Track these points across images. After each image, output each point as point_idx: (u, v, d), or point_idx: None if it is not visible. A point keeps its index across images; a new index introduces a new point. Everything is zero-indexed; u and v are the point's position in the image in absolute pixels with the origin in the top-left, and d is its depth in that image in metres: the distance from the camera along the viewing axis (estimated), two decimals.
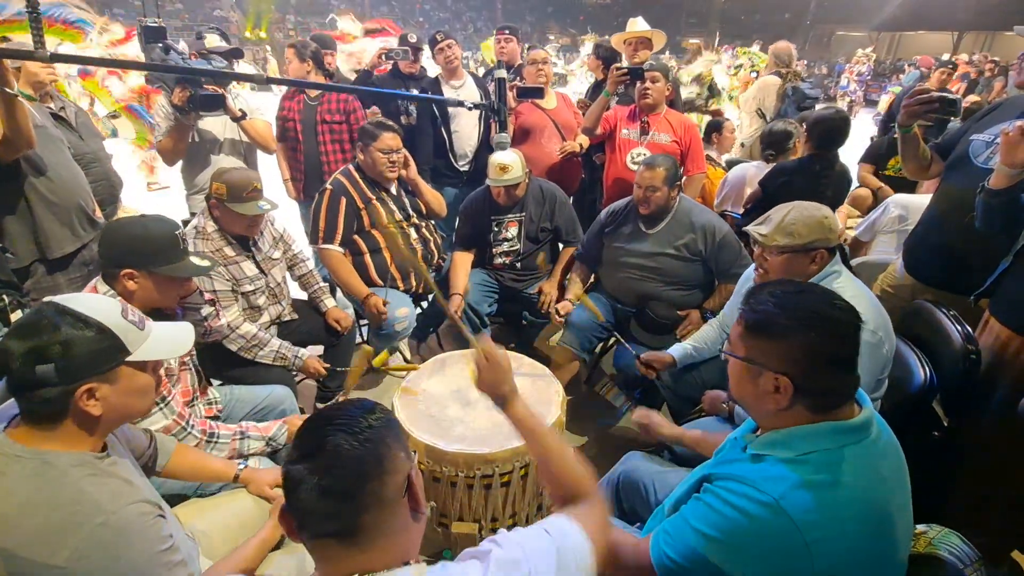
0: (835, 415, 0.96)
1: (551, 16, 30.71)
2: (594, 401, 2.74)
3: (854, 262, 2.81)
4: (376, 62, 3.76)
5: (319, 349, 2.45)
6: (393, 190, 2.62)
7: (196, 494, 1.55)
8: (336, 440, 0.73)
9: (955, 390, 1.56)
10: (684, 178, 2.53)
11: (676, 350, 2.08)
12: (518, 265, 2.79)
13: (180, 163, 2.92)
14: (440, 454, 1.59)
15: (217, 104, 2.57)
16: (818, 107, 3.82)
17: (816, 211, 1.56)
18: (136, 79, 3.33)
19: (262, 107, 3.01)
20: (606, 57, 3.73)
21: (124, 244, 1.46)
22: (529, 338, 2.94)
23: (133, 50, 3.50)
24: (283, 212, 2.28)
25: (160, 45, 2.40)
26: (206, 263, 1.60)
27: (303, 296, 2.51)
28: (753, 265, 1.76)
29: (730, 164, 3.70)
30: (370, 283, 2.58)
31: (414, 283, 2.70)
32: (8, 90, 1.69)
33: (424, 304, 2.97)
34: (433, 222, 2.82)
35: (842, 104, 11.95)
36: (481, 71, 5.18)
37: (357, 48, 4.04)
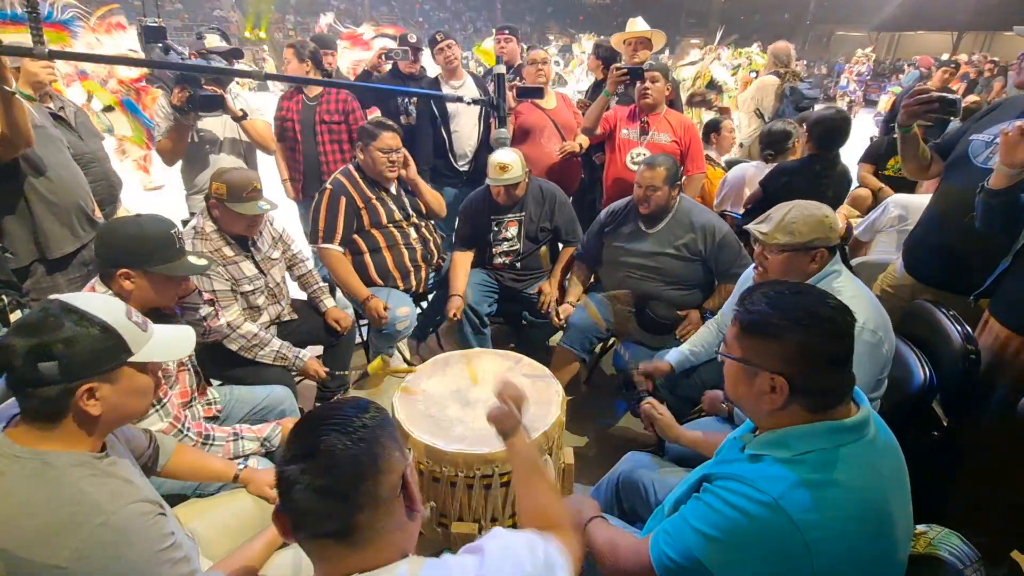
0: (832, 414, 0.96)
1: (551, 16, 30.70)
2: (594, 401, 2.74)
3: (854, 262, 2.81)
4: (376, 62, 3.76)
5: (319, 349, 2.46)
6: (393, 190, 2.62)
7: (195, 494, 1.55)
8: (330, 440, 0.73)
9: (955, 390, 1.56)
10: (684, 178, 2.53)
11: (673, 356, 2.07)
12: (518, 265, 2.79)
13: (179, 163, 2.92)
14: (440, 454, 1.59)
15: (216, 105, 2.57)
16: (817, 107, 3.82)
17: (817, 210, 1.56)
18: (124, 71, 3.30)
19: (261, 108, 3.01)
20: (606, 57, 3.73)
21: (120, 244, 1.46)
22: (530, 338, 2.95)
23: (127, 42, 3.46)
24: (282, 212, 2.28)
25: (160, 45, 2.39)
26: (203, 262, 1.60)
27: (303, 296, 2.51)
28: (753, 265, 1.76)
29: (729, 164, 3.70)
30: (370, 283, 2.57)
31: (414, 283, 2.70)
32: (6, 87, 1.68)
33: (424, 304, 2.97)
34: (433, 222, 2.82)
35: (842, 104, 11.94)
36: (481, 71, 5.18)
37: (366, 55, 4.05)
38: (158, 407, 1.48)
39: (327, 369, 2.20)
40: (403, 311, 2.51)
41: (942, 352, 1.59)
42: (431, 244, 2.75)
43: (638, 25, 3.52)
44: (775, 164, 2.98)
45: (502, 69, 2.04)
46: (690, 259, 2.35)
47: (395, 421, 1.70)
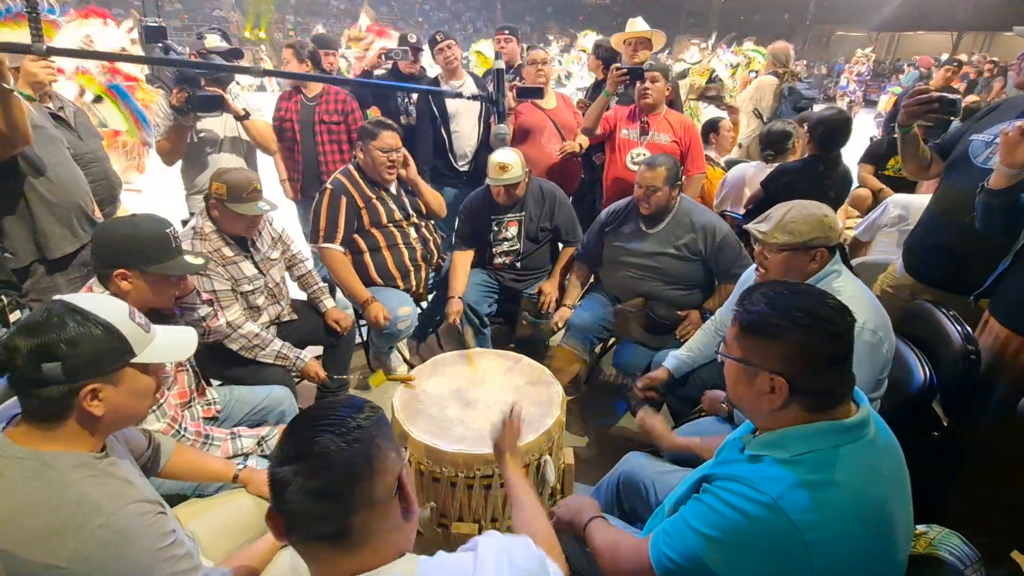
0: (831, 414, 0.96)
1: (551, 16, 30.70)
2: (594, 401, 2.74)
3: (854, 262, 2.81)
4: (376, 63, 3.76)
5: (318, 350, 2.45)
6: (393, 189, 2.62)
7: (195, 494, 1.55)
8: (324, 441, 0.72)
9: (955, 390, 1.56)
10: (684, 178, 2.53)
11: (671, 362, 2.07)
12: (518, 265, 2.79)
13: (179, 163, 2.92)
14: (440, 454, 1.59)
15: (215, 105, 2.57)
16: (817, 107, 3.82)
17: (816, 209, 1.56)
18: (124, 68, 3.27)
19: (261, 108, 3.01)
20: (606, 57, 3.73)
21: (115, 244, 1.46)
22: (530, 338, 2.94)
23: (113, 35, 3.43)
24: (280, 212, 2.28)
25: (160, 45, 2.39)
26: (200, 261, 1.60)
27: (302, 296, 2.51)
28: (754, 266, 1.76)
29: (729, 164, 3.70)
30: (370, 282, 2.57)
31: (414, 283, 2.70)
32: (4, 85, 1.68)
33: (424, 304, 2.97)
34: (432, 222, 2.82)
35: (841, 104, 11.94)
36: (481, 71, 5.17)
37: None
38: (155, 408, 1.48)
39: (326, 373, 2.20)
40: (404, 311, 2.51)
41: (942, 352, 1.59)
42: (431, 244, 2.75)
43: (638, 25, 3.52)
44: (775, 164, 2.98)
45: (501, 65, 2.05)
46: (690, 259, 2.35)
47: (395, 421, 1.70)
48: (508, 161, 2.51)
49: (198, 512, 1.45)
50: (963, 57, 10.49)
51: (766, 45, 5.29)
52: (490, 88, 2.87)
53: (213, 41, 2.98)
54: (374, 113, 3.36)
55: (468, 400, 1.81)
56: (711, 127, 3.78)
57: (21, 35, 2.25)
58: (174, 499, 1.50)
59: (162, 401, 1.51)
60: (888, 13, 22.60)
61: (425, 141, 3.41)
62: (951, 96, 1.78)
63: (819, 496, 0.89)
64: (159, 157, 2.85)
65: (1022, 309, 1.61)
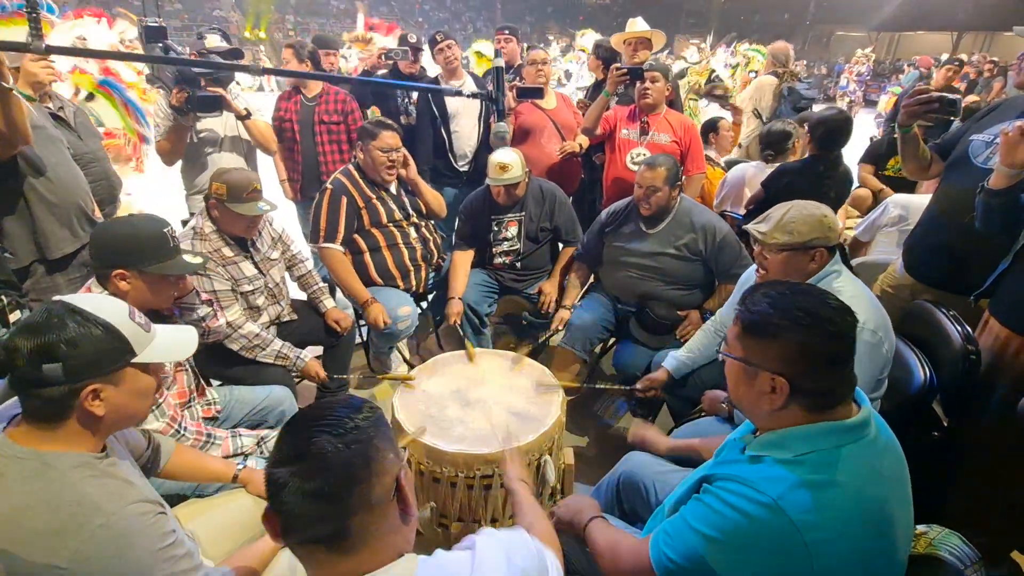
0: (832, 415, 0.96)
1: (551, 16, 30.70)
2: (594, 401, 2.74)
3: (854, 262, 2.81)
4: (376, 63, 3.76)
5: (319, 350, 2.45)
6: (393, 189, 2.62)
7: (195, 494, 1.55)
8: (321, 442, 0.70)
9: (955, 390, 1.56)
10: (684, 178, 2.53)
11: (670, 363, 2.07)
12: (518, 265, 2.79)
13: (179, 163, 2.92)
14: (440, 454, 1.59)
15: (215, 105, 2.57)
16: (817, 107, 3.82)
17: (816, 209, 1.56)
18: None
19: (261, 108, 3.01)
20: (606, 57, 3.73)
21: (112, 244, 1.46)
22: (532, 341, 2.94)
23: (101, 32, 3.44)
24: (280, 212, 2.28)
25: (160, 45, 2.39)
26: (198, 260, 1.60)
27: (302, 296, 2.51)
28: (754, 266, 1.76)
29: (728, 164, 3.70)
30: (370, 282, 2.58)
31: (414, 282, 2.70)
32: (3, 83, 1.68)
33: (424, 304, 2.97)
34: (432, 222, 2.82)
35: (842, 104, 11.95)
36: (480, 71, 5.18)
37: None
38: (154, 408, 1.48)
39: (327, 373, 2.20)
40: (404, 311, 2.51)
41: (942, 352, 1.59)
42: (431, 244, 2.75)
43: (638, 25, 3.52)
44: (776, 165, 2.98)
45: (501, 63, 2.05)
46: (691, 259, 2.35)
47: (395, 421, 1.70)
48: (508, 161, 2.51)
49: (198, 512, 1.45)
50: (963, 57, 10.49)
51: (766, 45, 5.29)
52: (490, 87, 2.87)
53: (213, 41, 2.98)
54: (374, 113, 3.36)
55: (468, 400, 1.81)
56: (710, 127, 3.78)
57: (17, 33, 2.26)
58: (174, 499, 1.50)
59: (161, 401, 1.51)
60: (888, 13, 22.60)
61: (425, 141, 3.41)
62: (951, 96, 1.78)
63: (820, 497, 0.89)
64: (159, 157, 2.84)
65: (1022, 309, 1.61)
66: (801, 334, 0.94)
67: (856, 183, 3.68)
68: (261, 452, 1.67)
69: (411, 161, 2.65)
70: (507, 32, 3.86)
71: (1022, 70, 2.18)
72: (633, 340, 2.43)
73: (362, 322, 2.66)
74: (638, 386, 2.08)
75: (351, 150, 3.11)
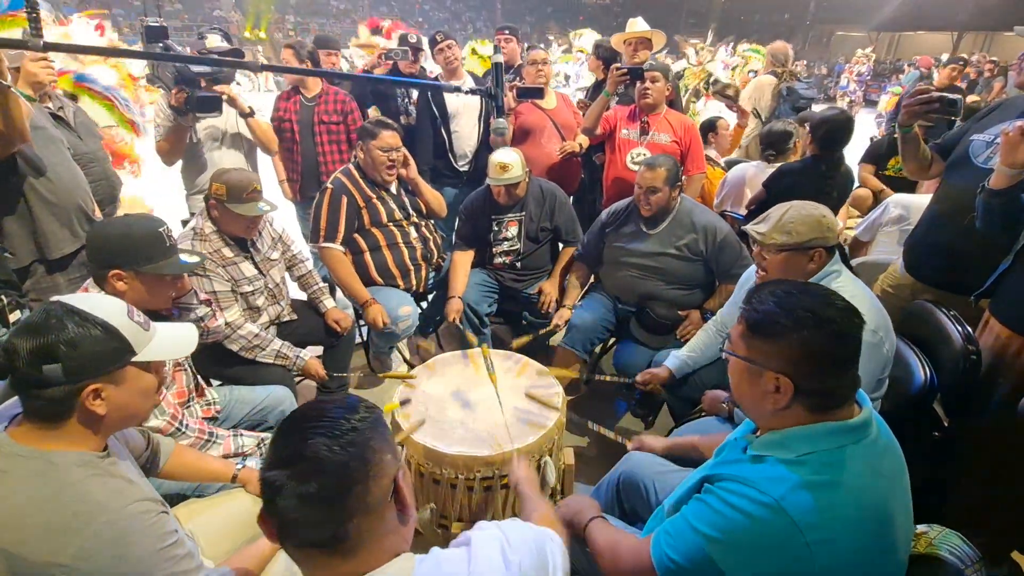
0: (834, 415, 0.96)
1: (551, 16, 30.70)
2: (594, 401, 2.74)
3: (854, 262, 2.81)
4: (376, 62, 3.76)
5: (319, 350, 2.45)
6: (393, 189, 2.62)
7: (195, 494, 1.55)
8: (316, 444, 0.69)
9: (955, 390, 1.56)
10: (684, 178, 2.53)
11: (672, 362, 2.07)
12: (518, 265, 2.79)
13: (179, 163, 2.92)
14: (440, 456, 1.59)
15: (214, 106, 2.56)
16: (817, 107, 3.82)
17: (814, 210, 1.56)
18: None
19: (261, 108, 3.01)
20: (606, 57, 3.73)
21: (109, 244, 1.46)
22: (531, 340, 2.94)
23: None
24: (279, 213, 2.28)
25: (161, 45, 2.39)
26: (195, 259, 1.59)
27: (302, 296, 2.51)
28: (754, 266, 1.76)
29: (729, 164, 3.69)
30: (370, 281, 2.57)
31: (414, 282, 2.70)
32: (2, 81, 1.67)
33: (424, 304, 2.97)
34: (433, 222, 2.82)
35: (842, 104, 11.96)
36: (480, 69, 5.17)
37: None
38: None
39: (327, 373, 2.20)
40: (404, 310, 2.51)
41: (943, 352, 1.59)
42: (431, 243, 2.75)
43: (638, 25, 3.52)
44: (777, 164, 2.98)
45: (500, 58, 2.05)
46: (691, 259, 2.35)
47: (395, 423, 1.70)
48: (508, 161, 2.51)
49: (198, 512, 1.44)
50: (967, 56, 10.48)
51: (765, 45, 5.29)
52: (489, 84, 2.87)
53: (214, 41, 2.98)
54: (374, 113, 3.36)
55: (468, 401, 1.81)
56: (709, 127, 3.77)
57: (16, 33, 2.26)
58: (173, 499, 1.50)
59: (160, 399, 1.50)
60: (888, 13, 22.60)
61: (425, 141, 3.41)
62: (952, 96, 1.78)
63: (822, 497, 0.89)
64: (159, 157, 2.84)
65: (1023, 309, 1.60)
66: (806, 334, 0.93)
67: (856, 183, 3.68)
68: (261, 453, 1.67)
69: (411, 161, 2.65)
70: (507, 32, 3.86)
71: (1022, 70, 2.18)
72: (634, 340, 2.43)
73: (362, 322, 2.66)
74: (638, 378, 2.08)
75: (351, 150, 3.11)
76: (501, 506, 1.67)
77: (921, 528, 1.05)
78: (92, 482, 0.94)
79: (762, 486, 0.92)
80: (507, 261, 2.78)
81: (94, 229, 1.57)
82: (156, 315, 1.54)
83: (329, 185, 2.52)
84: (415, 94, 3.47)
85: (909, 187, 3.33)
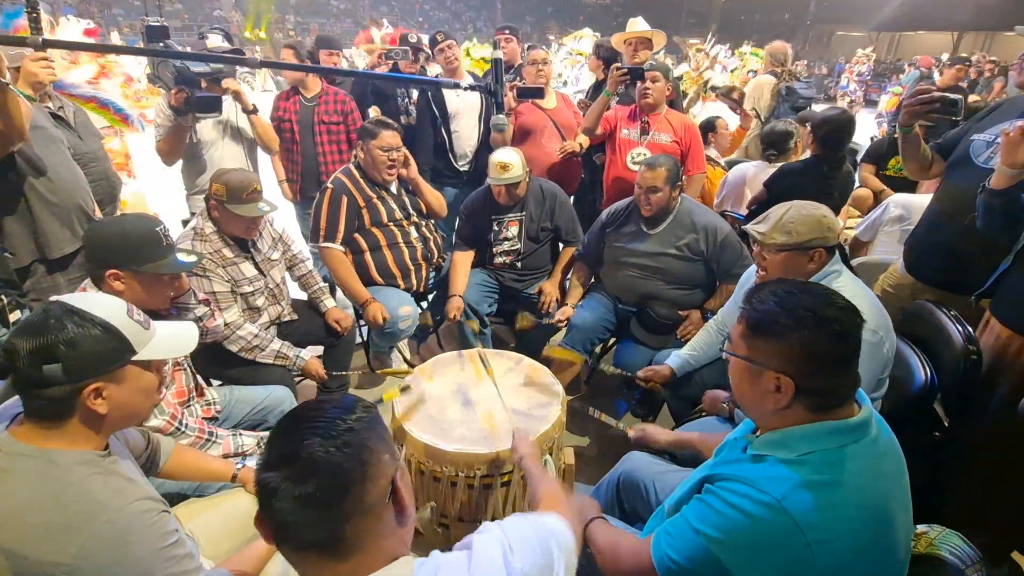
0: (834, 415, 0.96)
1: (551, 16, 30.71)
2: (595, 401, 2.74)
3: (855, 262, 2.81)
4: (376, 63, 3.76)
5: (319, 349, 2.45)
6: (393, 189, 2.62)
7: (195, 494, 1.55)
8: (312, 445, 0.68)
9: (956, 390, 1.56)
10: (684, 178, 2.53)
11: (674, 360, 2.07)
12: (518, 265, 2.79)
13: (179, 163, 2.92)
14: (440, 454, 1.59)
15: (214, 106, 2.56)
16: (818, 107, 3.82)
17: (815, 210, 1.56)
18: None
19: (260, 108, 3.00)
20: (607, 57, 3.73)
21: (105, 244, 1.46)
22: (530, 338, 2.94)
23: None
24: (279, 213, 2.28)
25: (161, 45, 2.39)
26: (192, 258, 1.59)
27: (303, 296, 2.51)
28: (754, 266, 1.76)
29: (729, 164, 3.69)
30: (370, 281, 2.57)
31: (414, 282, 2.70)
32: (0, 79, 1.67)
33: (425, 304, 2.97)
34: (433, 222, 2.82)
35: (842, 104, 11.95)
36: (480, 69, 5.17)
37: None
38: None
39: (328, 372, 2.19)
40: (405, 310, 2.51)
41: (943, 352, 1.59)
42: (431, 243, 2.75)
43: (638, 25, 3.51)
44: (778, 164, 2.98)
45: (499, 54, 2.06)
46: (692, 259, 2.35)
47: (394, 421, 1.70)
48: (509, 160, 2.51)
49: (197, 512, 1.44)
50: (971, 56, 10.48)
51: (765, 45, 5.29)
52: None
53: (215, 42, 2.98)
54: (374, 113, 3.36)
55: (468, 400, 1.81)
56: (708, 127, 3.77)
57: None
58: (173, 499, 1.50)
59: (160, 399, 1.50)
60: (889, 13, 22.61)
61: (425, 141, 3.40)
62: (952, 96, 1.78)
63: (823, 497, 0.89)
64: (159, 157, 2.84)
65: (1023, 309, 1.60)
66: (806, 334, 0.93)
67: (857, 183, 3.68)
68: (261, 453, 1.66)
69: (411, 161, 2.65)
70: (507, 32, 3.86)
71: (1023, 70, 2.18)
72: (634, 340, 2.43)
73: (362, 322, 2.66)
74: (640, 373, 2.08)
75: (351, 150, 3.11)
76: (502, 504, 1.67)
77: (922, 528, 1.05)
78: (93, 481, 0.94)
79: (763, 486, 0.92)
80: (507, 261, 2.78)
81: (91, 229, 1.57)
82: (154, 315, 1.54)
83: (329, 185, 2.52)
84: (415, 94, 3.47)
85: (909, 187, 3.33)
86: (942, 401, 1.65)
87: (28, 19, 1.61)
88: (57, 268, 2.10)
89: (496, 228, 2.72)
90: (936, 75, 8.82)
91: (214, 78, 2.67)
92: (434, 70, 3.82)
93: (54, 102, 2.31)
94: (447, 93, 3.30)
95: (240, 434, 1.65)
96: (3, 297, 1.81)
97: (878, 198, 3.58)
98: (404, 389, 1.81)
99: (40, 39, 1.61)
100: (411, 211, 2.67)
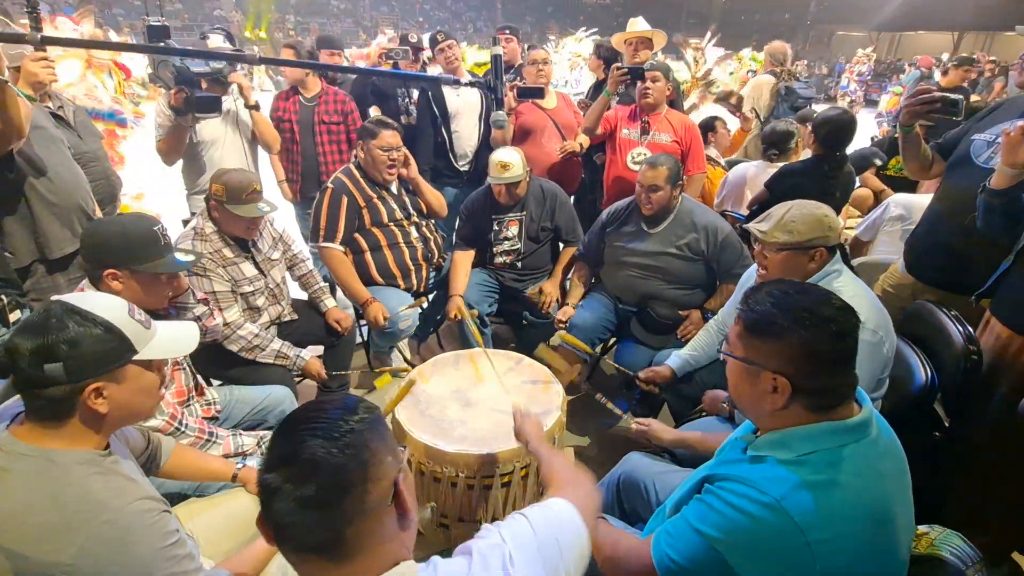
0: (834, 415, 0.96)
1: (551, 16, 30.70)
2: (595, 401, 2.74)
3: (855, 262, 2.81)
4: (377, 63, 3.76)
5: (319, 349, 2.45)
6: (394, 189, 2.62)
7: (196, 494, 1.55)
8: (313, 446, 0.68)
9: (956, 390, 1.56)
10: (685, 178, 2.53)
11: (674, 361, 2.07)
12: (519, 265, 2.79)
13: (180, 163, 2.92)
14: (440, 455, 1.59)
15: (214, 106, 2.56)
16: (818, 107, 3.81)
17: (816, 209, 1.56)
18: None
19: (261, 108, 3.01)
20: (607, 57, 3.73)
21: (103, 244, 1.46)
22: (530, 338, 2.94)
23: None
24: (279, 214, 2.28)
25: (162, 45, 2.39)
26: (190, 257, 1.59)
27: (303, 296, 2.51)
28: (755, 265, 1.76)
29: (729, 164, 3.69)
30: (371, 281, 2.57)
31: (415, 282, 2.70)
32: None
33: (425, 304, 2.97)
34: (433, 222, 2.82)
35: (843, 104, 11.96)
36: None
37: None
38: None
39: (328, 373, 2.19)
40: (405, 310, 2.51)
41: (943, 352, 1.59)
42: (432, 243, 2.75)
43: (639, 25, 3.51)
44: (779, 164, 2.97)
45: (499, 51, 2.06)
46: (692, 259, 2.35)
47: (395, 421, 1.70)
48: (509, 160, 2.51)
49: (198, 511, 1.45)
50: (975, 56, 10.47)
51: (762, 46, 5.28)
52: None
53: (216, 42, 2.98)
54: (375, 113, 3.36)
55: (469, 400, 1.81)
56: (708, 127, 3.77)
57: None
58: (174, 499, 1.50)
59: (160, 398, 1.50)
60: (889, 13, 22.59)
61: (426, 141, 3.40)
62: (953, 96, 1.78)
63: (822, 497, 0.89)
64: (159, 157, 2.84)
65: (1023, 309, 1.60)
66: (804, 334, 0.93)
67: (857, 183, 3.68)
68: (261, 452, 1.66)
69: (412, 160, 2.65)
70: (508, 32, 3.85)
71: (1023, 70, 2.18)
72: (634, 340, 2.42)
73: (362, 321, 2.66)
74: (641, 375, 2.08)
75: (351, 150, 3.11)
76: (502, 504, 1.67)
77: (922, 528, 1.05)
78: (93, 480, 0.94)
79: (762, 486, 0.92)
80: (508, 261, 2.78)
81: (89, 229, 1.57)
82: (153, 314, 1.54)
83: (330, 185, 2.52)
84: (416, 94, 3.47)
85: (910, 187, 3.33)
86: (942, 401, 1.64)
87: (28, 17, 1.60)
88: (57, 268, 2.10)
89: (496, 228, 2.72)
90: (937, 75, 8.83)
91: (214, 78, 2.67)
92: (435, 71, 3.82)
93: (54, 102, 2.31)
94: (447, 93, 3.30)
95: (240, 434, 1.65)
96: (3, 297, 1.81)
97: (878, 198, 3.58)
98: (395, 375, 1.81)
99: (39, 36, 1.60)
100: (411, 211, 2.67)
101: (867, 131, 8.60)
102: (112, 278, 1.44)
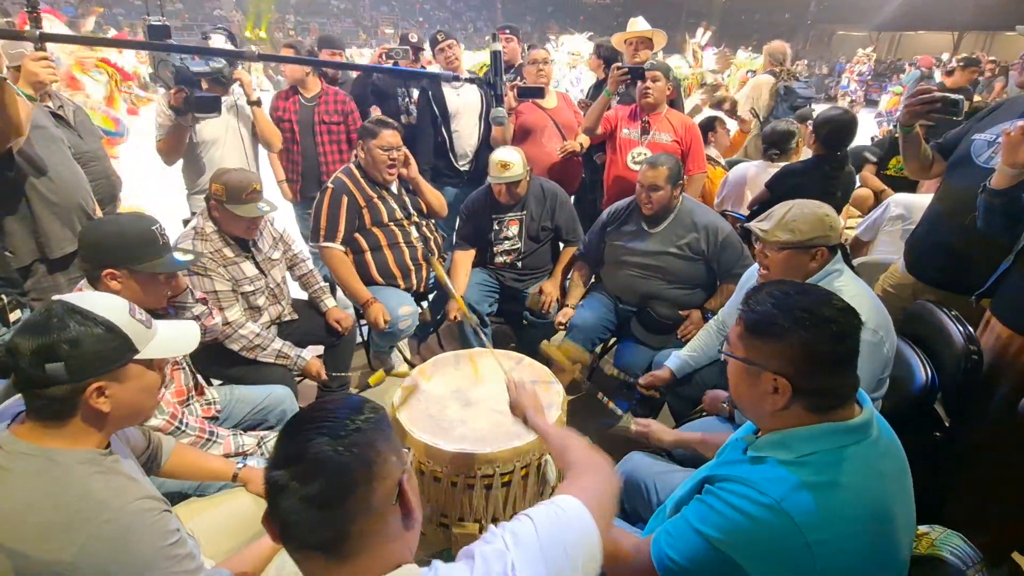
0: (835, 415, 0.95)
1: (551, 16, 30.70)
2: (595, 401, 2.73)
3: (855, 261, 2.81)
4: (377, 62, 3.75)
5: (319, 349, 2.45)
6: (394, 189, 2.62)
7: (196, 494, 1.55)
8: (319, 444, 0.68)
9: (956, 390, 1.56)
10: (685, 178, 2.53)
11: (673, 362, 2.07)
12: (519, 264, 2.79)
13: (180, 163, 2.92)
14: (440, 454, 1.59)
15: (214, 106, 2.56)
16: (818, 107, 3.81)
17: (817, 208, 1.56)
18: None
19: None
20: (607, 57, 3.73)
21: (101, 244, 1.46)
22: (530, 338, 2.94)
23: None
24: (279, 213, 2.28)
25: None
26: (189, 257, 1.59)
27: (303, 296, 2.51)
28: (755, 265, 1.76)
29: (729, 164, 3.69)
30: (371, 281, 2.57)
31: (415, 282, 2.70)
32: None
33: (425, 304, 2.97)
34: (433, 221, 2.82)
35: (843, 104, 11.96)
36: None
37: None
38: None
39: (329, 373, 2.20)
40: (405, 310, 2.51)
41: (944, 352, 1.59)
42: (432, 243, 2.75)
43: (639, 25, 3.51)
44: (780, 164, 2.97)
45: (498, 47, 2.06)
46: (693, 259, 2.35)
47: (395, 421, 1.70)
48: (509, 159, 2.51)
49: (198, 511, 1.45)
50: (977, 55, 10.46)
51: (764, 47, 5.28)
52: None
53: (218, 42, 2.98)
54: (375, 113, 3.36)
55: (469, 400, 1.81)
56: (708, 126, 3.77)
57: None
58: (174, 498, 1.50)
59: (161, 398, 1.51)
60: (889, 13, 22.59)
61: (426, 141, 3.40)
62: (953, 96, 1.78)
63: (822, 498, 0.89)
64: (160, 157, 2.84)
65: (1023, 309, 1.60)
66: (804, 335, 0.93)
67: (857, 183, 3.68)
68: (262, 452, 1.67)
69: (412, 160, 2.65)
70: (508, 32, 3.86)
71: (1023, 70, 2.18)
72: (634, 340, 2.43)
73: (363, 321, 2.66)
74: (641, 381, 2.08)
75: (351, 150, 3.11)
76: (502, 504, 1.67)
77: (923, 529, 1.05)
78: (94, 480, 0.94)
79: (763, 487, 0.92)
80: (508, 260, 2.78)
81: (87, 229, 1.57)
82: (152, 314, 1.54)
83: (330, 184, 2.52)
84: (416, 93, 3.47)
85: (910, 187, 3.33)
86: (943, 401, 1.64)
87: (28, 16, 1.60)
88: (58, 268, 2.10)
89: (497, 227, 2.72)
90: (937, 75, 8.82)
91: (214, 78, 2.67)
92: (435, 71, 3.81)
93: (54, 101, 2.31)
94: (448, 93, 3.30)
95: (240, 433, 1.65)
96: (3, 296, 1.81)
97: (879, 198, 3.58)
98: (388, 369, 1.81)
99: (37, 33, 1.60)
100: (411, 211, 2.67)
101: (867, 131, 8.60)
102: (110, 278, 1.44)
